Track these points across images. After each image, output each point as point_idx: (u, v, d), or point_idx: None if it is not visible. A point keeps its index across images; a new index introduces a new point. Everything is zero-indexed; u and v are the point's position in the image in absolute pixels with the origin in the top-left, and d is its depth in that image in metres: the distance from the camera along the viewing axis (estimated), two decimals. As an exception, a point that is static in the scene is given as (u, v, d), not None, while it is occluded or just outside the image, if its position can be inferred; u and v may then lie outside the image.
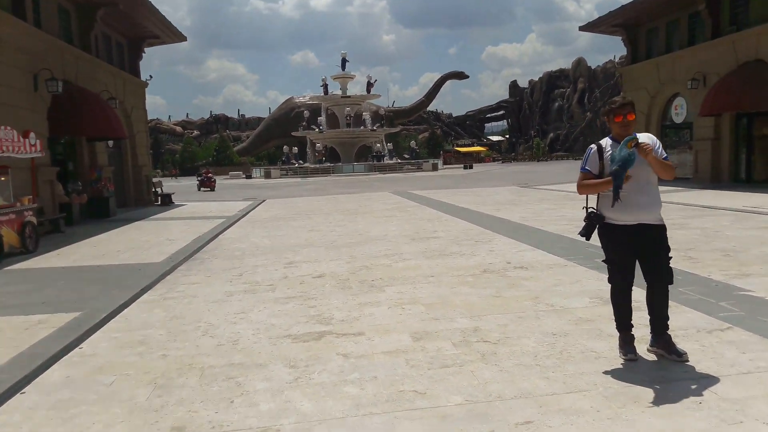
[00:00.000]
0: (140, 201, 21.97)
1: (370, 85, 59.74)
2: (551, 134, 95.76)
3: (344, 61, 59.04)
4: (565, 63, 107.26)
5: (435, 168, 52.47)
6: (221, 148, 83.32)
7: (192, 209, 19.36)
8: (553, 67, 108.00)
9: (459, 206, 15.96)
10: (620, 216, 3.87)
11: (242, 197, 26.19)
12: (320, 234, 11.45)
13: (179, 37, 24.03)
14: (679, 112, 22.01)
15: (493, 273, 6.70)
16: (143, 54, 23.94)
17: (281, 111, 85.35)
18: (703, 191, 17.18)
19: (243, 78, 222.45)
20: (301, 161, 60.96)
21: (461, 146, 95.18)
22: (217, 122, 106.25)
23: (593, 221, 4.01)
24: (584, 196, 4.13)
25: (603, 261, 4.12)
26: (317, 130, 58.39)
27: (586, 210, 4.23)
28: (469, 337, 4.56)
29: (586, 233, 4.13)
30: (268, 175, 51.64)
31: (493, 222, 11.80)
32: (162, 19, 21.05)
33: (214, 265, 8.36)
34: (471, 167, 54.95)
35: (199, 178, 35.99)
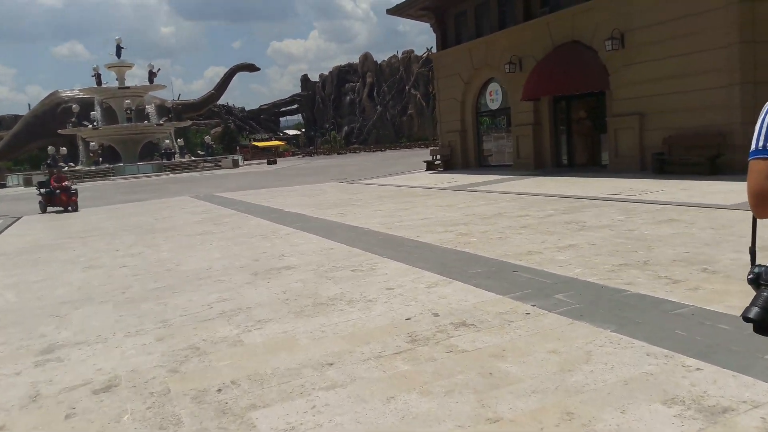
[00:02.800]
0: None
1: (152, 74, 53.10)
2: (346, 127, 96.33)
3: (119, 48, 51.71)
4: (349, 59, 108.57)
5: (236, 164, 48.34)
6: (-36, 153, 68.66)
7: None
8: (339, 62, 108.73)
9: (290, 212, 13.02)
10: None
11: (-11, 215, 20.06)
12: (103, 273, 7.73)
13: None
14: (494, 98, 21.49)
15: (430, 346, 3.96)
16: None
17: (44, 106, 72.83)
18: (536, 179, 16.44)
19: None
20: (71, 164, 52.13)
21: (258, 141, 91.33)
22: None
23: None
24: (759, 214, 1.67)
25: None
26: (90, 126, 50.28)
27: (753, 254, 1.80)
28: None
29: (763, 316, 1.62)
30: (28, 182, 42.86)
31: (351, 234, 9.14)
32: None
33: None
34: (275, 162, 51.74)
35: None
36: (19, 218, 17.83)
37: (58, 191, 18.22)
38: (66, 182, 18.68)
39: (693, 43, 13.77)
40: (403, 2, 23.51)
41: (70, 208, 18.13)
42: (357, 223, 10.36)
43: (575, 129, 18.56)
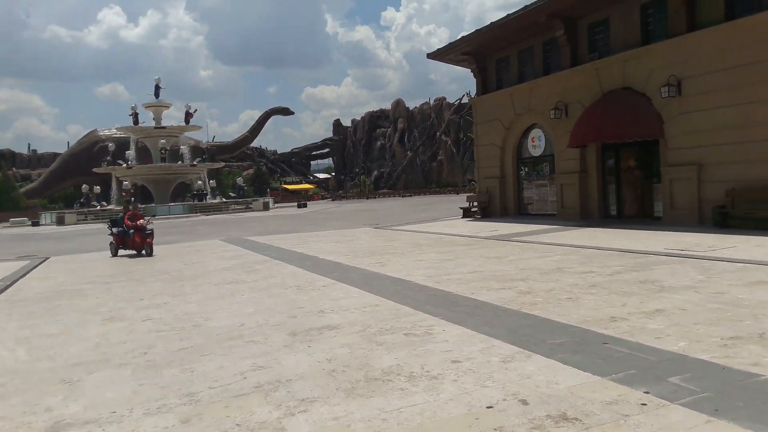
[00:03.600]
0: None
1: (189, 115, 53.85)
2: (375, 172, 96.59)
3: (158, 88, 52.67)
4: (379, 106, 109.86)
5: (266, 207, 48.17)
6: (4, 189, 70.15)
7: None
8: (370, 108, 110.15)
9: (325, 259, 12.25)
10: None
11: (16, 254, 19.78)
12: (124, 327, 6.99)
13: None
14: (536, 145, 20.74)
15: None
16: None
17: (82, 145, 74.83)
18: (585, 230, 15.46)
19: (39, 111, 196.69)
20: (104, 203, 52.68)
21: (288, 183, 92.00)
22: (1, 159, 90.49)
23: None
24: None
25: None
26: (125, 165, 50.86)
27: None
28: None
29: None
30: (61, 221, 43.24)
31: (396, 288, 8.29)
32: None
33: None
34: (305, 205, 51.48)
35: None
36: (47, 259, 17.44)
37: (131, 231, 15.62)
38: (142, 221, 15.91)
39: (755, 92, 12.90)
40: (444, 47, 23.20)
41: (144, 252, 15.62)
42: (399, 275, 9.53)
43: (624, 178, 17.61)
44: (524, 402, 3.69)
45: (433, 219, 24.41)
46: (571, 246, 12.11)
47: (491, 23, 20.27)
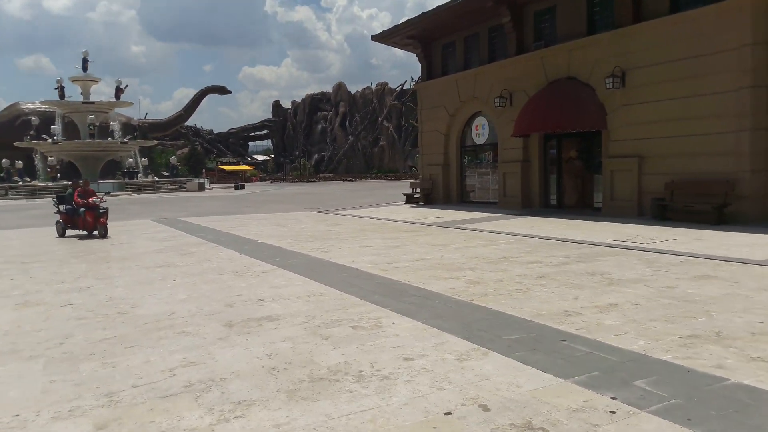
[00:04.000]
0: None
1: (119, 90, 51.21)
2: (316, 155, 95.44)
3: (86, 62, 49.79)
4: (320, 88, 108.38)
5: (201, 187, 46.57)
6: None
7: None
8: (311, 91, 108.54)
9: (266, 243, 11.68)
10: None
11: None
12: (40, 313, 6.30)
13: None
14: (480, 133, 20.70)
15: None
16: None
17: (3, 118, 69.89)
18: (528, 219, 15.51)
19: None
20: (27, 178, 49.63)
21: (226, 164, 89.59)
22: None
23: None
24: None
25: None
26: (50, 140, 47.96)
27: None
28: None
29: None
30: (-24, 196, 40.31)
31: (341, 275, 7.89)
32: None
33: None
34: (243, 187, 50.10)
35: None
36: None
37: (82, 210, 13.96)
38: (94, 198, 14.19)
39: (699, 85, 13.16)
40: (389, 29, 22.76)
41: (97, 233, 14.03)
42: (344, 261, 9.13)
43: (566, 169, 17.79)
44: (485, 408, 3.39)
45: (376, 204, 24.09)
46: (514, 234, 12.04)
47: (437, 6, 19.95)
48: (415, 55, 23.91)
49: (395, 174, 76.13)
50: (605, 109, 15.47)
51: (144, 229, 15.92)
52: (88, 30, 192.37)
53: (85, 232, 14.32)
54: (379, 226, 14.91)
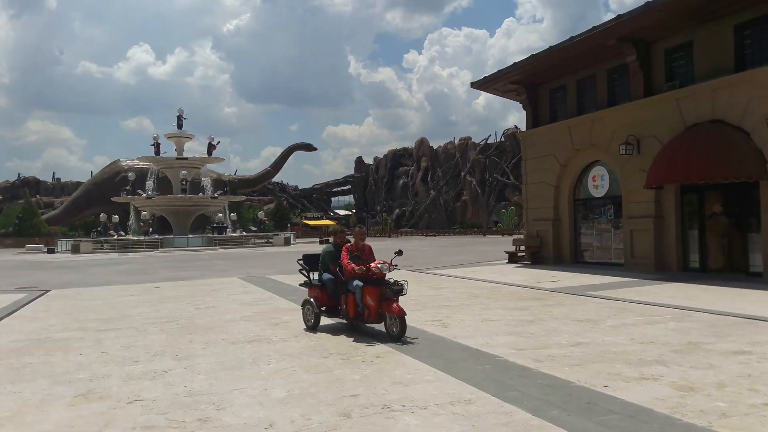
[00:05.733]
0: None
1: (211, 146, 52.47)
2: (397, 210, 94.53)
3: (180, 119, 51.51)
4: (400, 145, 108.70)
5: (288, 242, 46.09)
6: (26, 216, 69.37)
7: None
8: (389, 147, 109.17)
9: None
10: None
11: (17, 285, 17.84)
12: (99, 413, 4.74)
13: None
14: (598, 184, 18.39)
15: None
16: None
17: (104, 175, 73.96)
18: (671, 285, 12.98)
19: (68, 142, 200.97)
20: (122, 232, 51.15)
21: (309, 219, 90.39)
22: (27, 186, 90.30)
23: None
24: None
25: None
26: (144, 195, 49.40)
27: None
28: None
29: None
30: (76, 249, 41.52)
31: (483, 367, 5.91)
32: None
33: None
34: (328, 242, 49.20)
35: None
36: (47, 292, 15.45)
37: (359, 285, 7.74)
38: (380, 264, 7.81)
39: None
40: (492, 75, 21.19)
41: (390, 329, 7.48)
42: (474, 343, 7.17)
43: (709, 226, 15.15)
44: None
45: (473, 263, 22.02)
46: (674, 308, 9.66)
47: (549, 47, 18.24)
48: (506, 105, 22.18)
49: (479, 229, 73.53)
50: (765, 156, 12.95)
51: (231, 289, 14.65)
52: (186, 93, 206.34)
53: (353, 321, 8.13)
54: (491, 291, 12.86)
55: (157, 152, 51.31)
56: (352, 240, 8.50)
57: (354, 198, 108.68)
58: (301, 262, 9.11)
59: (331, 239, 8.63)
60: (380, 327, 7.88)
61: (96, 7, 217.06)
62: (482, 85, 22.10)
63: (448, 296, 11.98)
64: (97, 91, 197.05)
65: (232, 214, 54.94)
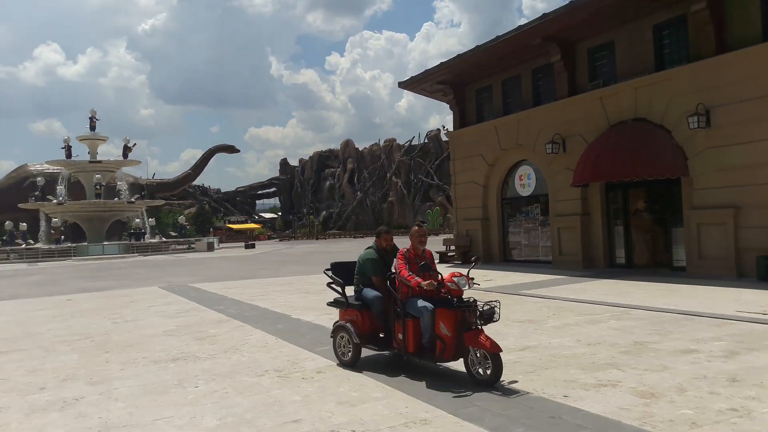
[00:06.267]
0: None
1: (127, 149, 49.83)
2: (324, 212, 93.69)
3: (93, 120, 48.58)
4: (324, 147, 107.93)
5: (211, 248, 44.44)
6: None
7: None
8: (316, 149, 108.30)
9: (302, 320, 9.35)
10: None
11: None
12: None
13: None
14: (525, 183, 18.61)
15: None
16: None
17: (10, 180, 68.81)
18: (601, 282, 13.19)
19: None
20: (30, 240, 47.69)
21: (233, 223, 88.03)
22: None
23: None
24: None
25: None
26: (55, 201, 46.26)
27: None
28: None
29: None
30: (-23, 261, 38.24)
31: (448, 383, 5.56)
32: None
33: None
34: (253, 246, 47.92)
35: None
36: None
37: (428, 307, 5.55)
38: (457, 279, 5.55)
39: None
40: (419, 75, 21.07)
41: (483, 371, 5.29)
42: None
43: (634, 222, 15.58)
44: None
45: (404, 264, 21.77)
46: (609, 305, 9.71)
47: (475, 47, 18.28)
48: (428, 108, 22.18)
49: (406, 230, 73.99)
50: (685, 153, 13.40)
51: (151, 300, 13.64)
52: (99, 95, 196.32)
53: (408, 355, 5.88)
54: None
55: (69, 155, 48.17)
56: (384, 244, 6.51)
57: (279, 200, 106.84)
58: (330, 272, 6.77)
59: (373, 243, 6.61)
60: (456, 365, 5.75)
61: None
62: (409, 85, 21.94)
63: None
64: (1, 91, 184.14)
65: (150, 220, 52.40)
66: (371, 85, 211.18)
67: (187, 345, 7.97)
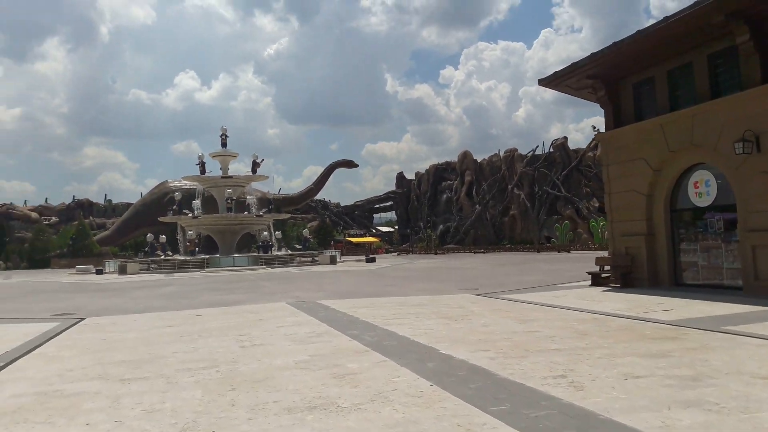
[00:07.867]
0: None
1: (256, 164, 51.37)
2: (441, 226, 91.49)
3: (224, 137, 50.60)
4: (439, 160, 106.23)
5: (333, 261, 44.25)
6: (79, 237, 70.28)
7: None
8: (429, 163, 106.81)
9: (454, 357, 7.60)
10: None
11: (53, 311, 16.37)
12: None
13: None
14: (702, 191, 15.66)
15: None
16: None
17: (153, 195, 74.31)
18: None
19: (122, 166, 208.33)
20: (169, 252, 50.32)
21: (352, 236, 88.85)
22: (81, 208, 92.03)
23: None
24: None
25: None
26: (190, 215, 48.48)
27: None
28: None
29: None
30: (123, 270, 40.64)
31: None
32: None
33: None
34: (374, 260, 47.17)
35: None
36: (82, 320, 13.91)
37: None
38: None
39: None
40: (564, 69, 18.73)
41: None
42: (648, 426, 4.81)
43: None
44: None
45: (546, 285, 19.45)
46: None
47: (636, 32, 15.73)
48: (548, 117, 19.66)
49: (531, 245, 69.99)
50: None
51: (281, 319, 12.58)
52: (231, 116, 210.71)
53: None
54: (597, 325, 10.36)
55: (203, 171, 50.54)
56: None
57: (396, 214, 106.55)
58: None
59: None
60: None
61: (144, 38, 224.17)
62: (551, 82, 19.63)
63: (549, 334, 9.55)
64: (147, 116, 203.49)
65: (277, 233, 53.59)
66: (487, 96, 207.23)
67: (324, 385, 6.51)
